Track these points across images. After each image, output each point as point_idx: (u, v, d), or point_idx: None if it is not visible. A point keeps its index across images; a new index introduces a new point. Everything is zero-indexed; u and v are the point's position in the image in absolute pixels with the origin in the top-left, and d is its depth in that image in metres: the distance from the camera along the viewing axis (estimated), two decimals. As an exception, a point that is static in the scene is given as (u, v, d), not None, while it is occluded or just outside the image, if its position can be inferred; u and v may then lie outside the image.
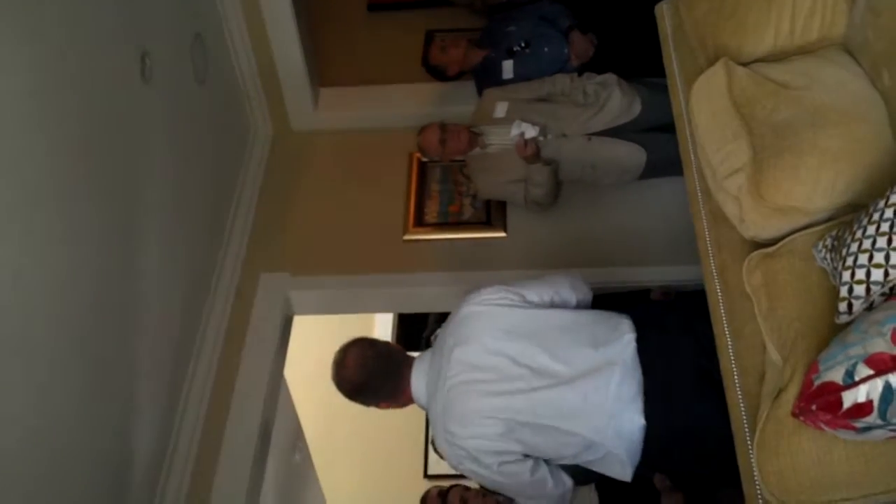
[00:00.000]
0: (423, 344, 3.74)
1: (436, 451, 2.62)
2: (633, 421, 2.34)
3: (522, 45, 3.93)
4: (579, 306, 2.72)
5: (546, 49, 3.92)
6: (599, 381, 2.34)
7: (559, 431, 2.37)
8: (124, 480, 2.72)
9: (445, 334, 2.55)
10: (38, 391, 2.20)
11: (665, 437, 2.36)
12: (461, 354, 2.45)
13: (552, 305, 2.64)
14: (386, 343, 2.72)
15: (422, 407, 2.57)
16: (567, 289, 2.70)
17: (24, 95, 2.16)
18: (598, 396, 2.33)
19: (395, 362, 2.58)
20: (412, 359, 2.60)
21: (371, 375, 2.55)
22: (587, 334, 2.45)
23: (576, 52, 3.89)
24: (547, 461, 2.51)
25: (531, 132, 3.49)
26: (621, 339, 2.41)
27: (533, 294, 2.61)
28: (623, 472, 2.42)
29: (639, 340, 2.41)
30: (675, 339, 2.47)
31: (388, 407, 2.61)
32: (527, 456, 2.43)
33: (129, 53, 2.79)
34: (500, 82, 3.91)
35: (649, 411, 2.34)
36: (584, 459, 2.45)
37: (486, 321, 2.50)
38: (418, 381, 2.53)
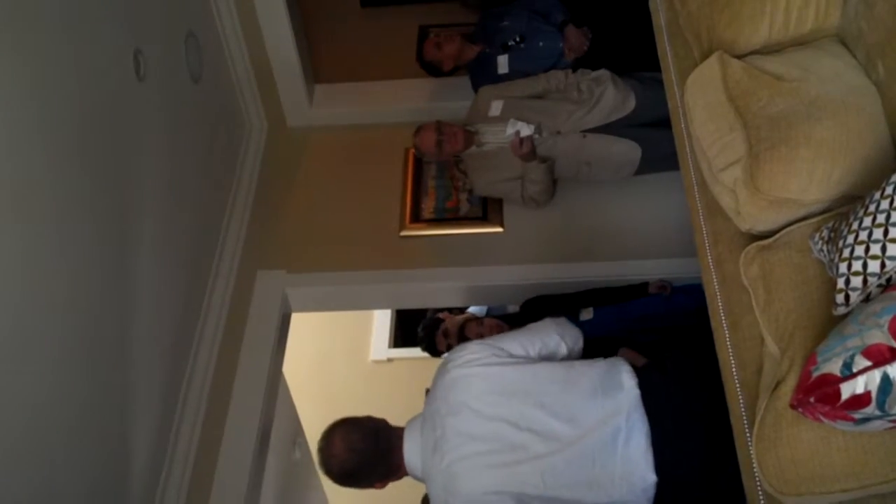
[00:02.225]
0: (418, 339, 3.73)
1: None
2: (644, 479, 2.22)
3: (517, 39, 3.93)
4: (571, 356, 2.58)
5: (541, 43, 3.92)
6: (606, 437, 2.22)
7: (570, 501, 2.24)
8: (124, 479, 2.72)
9: (435, 400, 2.38)
10: (33, 389, 2.20)
11: (677, 487, 2.26)
12: (456, 424, 2.28)
13: (540, 358, 2.50)
14: (369, 419, 2.46)
15: (417, 479, 2.39)
16: (554, 336, 2.56)
17: (18, 95, 2.15)
18: (606, 458, 2.21)
19: (384, 439, 2.40)
20: (401, 430, 2.42)
21: (361, 460, 2.37)
22: (586, 383, 2.32)
23: (570, 46, 3.89)
24: None
25: (526, 131, 3.50)
26: (622, 386, 2.29)
27: (516, 347, 2.46)
28: None
29: (641, 384, 2.30)
30: (678, 385, 2.35)
31: (384, 486, 2.44)
32: None
33: (123, 52, 2.79)
34: (496, 77, 3.91)
35: (659, 464, 2.22)
36: None
37: (477, 385, 2.34)
38: (412, 453, 2.36)
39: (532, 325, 2.61)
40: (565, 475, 2.21)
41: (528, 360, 2.46)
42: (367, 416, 2.47)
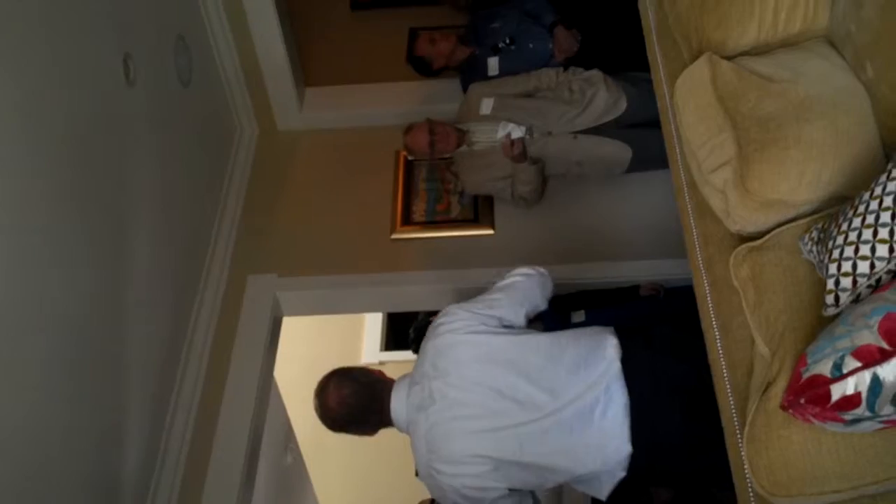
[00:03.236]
0: (410, 342, 3.73)
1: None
2: (619, 450, 2.32)
3: (507, 41, 3.93)
4: (549, 301, 2.71)
5: (531, 45, 3.92)
6: (584, 408, 2.31)
7: (546, 468, 2.36)
8: (115, 483, 2.71)
9: (424, 362, 2.50)
10: (23, 390, 2.19)
11: (652, 459, 2.35)
12: (442, 388, 2.40)
13: (526, 316, 2.61)
14: (362, 370, 2.61)
15: (402, 431, 2.51)
16: (537, 292, 2.67)
17: (5, 100, 2.14)
18: (583, 428, 2.31)
19: (376, 392, 2.52)
20: (391, 383, 2.54)
21: (353, 411, 2.50)
22: (569, 357, 2.40)
23: (560, 48, 3.89)
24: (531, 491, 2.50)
25: (517, 133, 3.50)
26: (605, 358, 2.38)
27: (510, 314, 2.56)
28: (601, 491, 2.42)
29: (624, 358, 2.38)
30: (661, 354, 2.44)
31: (372, 435, 2.59)
32: (511, 490, 2.41)
33: (112, 56, 2.78)
34: (486, 79, 3.91)
35: (635, 436, 2.32)
36: (567, 483, 2.45)
37: (466, 351, 2.44)
38: (398, 409, 2.47)
39: (517, 284, 2.66)
40: (542, 443, 2.31)
41: (518, 328, 2.57)
42: (360, 367, 2.63)
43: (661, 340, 2.48)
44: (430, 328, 2.57)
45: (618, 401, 2.32)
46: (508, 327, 2.55)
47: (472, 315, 2.52)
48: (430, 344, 2.52)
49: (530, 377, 2.37)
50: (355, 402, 2.49)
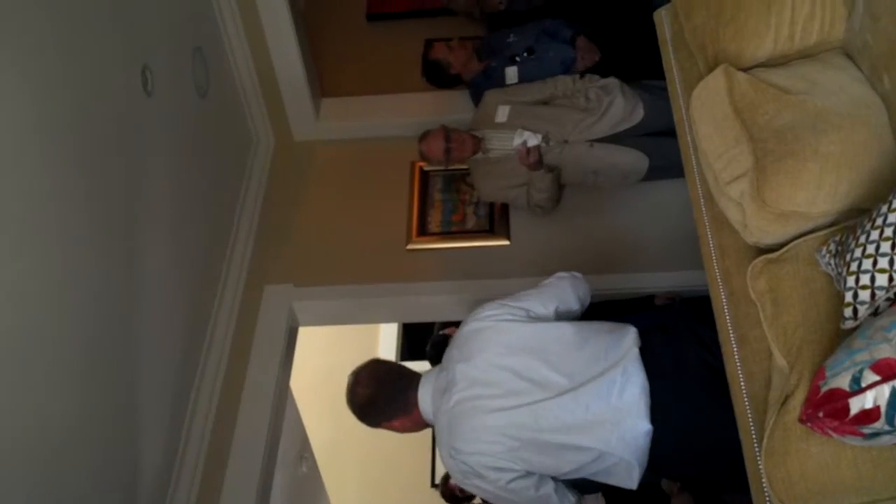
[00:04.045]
0: (428, 357, 3.73)
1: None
2: (636, 427, 2.34)
3: (525, 53, 3.94)
4: (583, 307, 2.76)
5: (551, 54, 3.92)
6: (601, 388, 2.35)
7: (563, 447, 2.38)
8: (132, 494, 2.72)
9: (452, 349, 2.58)
10: (40, 409, 2.20)
11: (672, 439, 2.36)
12: (465, 370, 2.47)
13: (557, 315, 2.65)
14: (398, 363, 2.78)
15: (429, 422, 2.58)
16: (571, 294, 2.72)
17: (26, 110, 2.16)
18: (599, 405, 2.34)
19: (405, 377, 2.62)
20: (420, 375, 2.63)
21: (382, 388, 2.59)
22: (591, 347, 2.46)
23: (583, 57, 3.89)
24: (553, 477, 2.51)
25: (533, 140, 3.49)
26: (622, 347, 2.43)
27: (538, 306, 2.63)
28: (629, 479, 2.42)
29: (643, 347, 2.42)
30: (680, 340, 2.49)
31: (399, 426, 2.63)
32: (530, 472, 2.44)
33: (131, 68, 2.81)
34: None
35: (656, 414, 2.34)
36: (590, 472, 2.45)
37: (490, 337, 2.52)
38: (425, 395, 2.55)
39: (551, 283, 2.76)
40: (558, 418, 2.35)
41: (545, 318, 2.63)
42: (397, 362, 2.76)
43: (680, 330, 2.53)
44: (462, 322, 2.66)
45: (635, 381, 2.36)
46: (535, 319, 2.61)
47: (501, 305, 2.61)
48: (459, 333, 2.62)
49: (550, 362, 2.42)
50: (386, 378, 2.61)
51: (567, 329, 2.54)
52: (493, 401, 2.40)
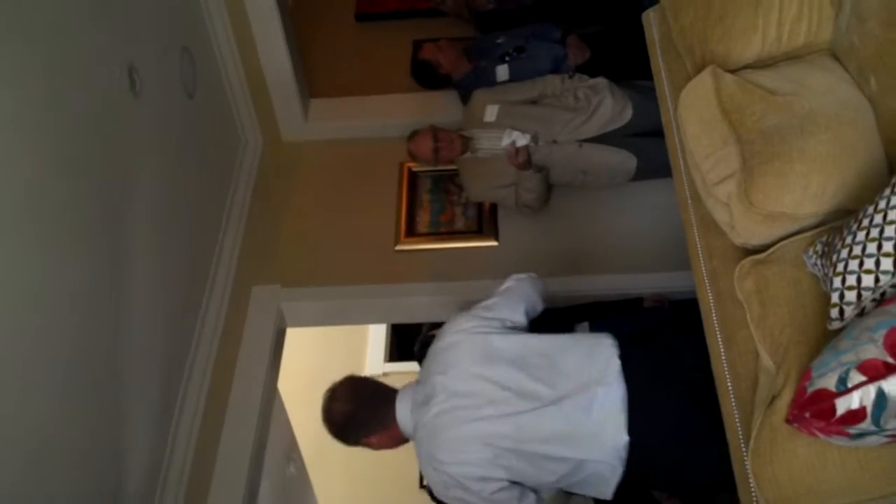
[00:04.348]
0: (416, 358, 3.72)
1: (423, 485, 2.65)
2: (616, 437, 2.35)
3: (515, 52, 3.94)
4: (545, 305, 2.81)
5: (542, 52, 3.92)
6: (582, 400, 2.37)
7: (544, 457, 2.39)
8: (119, 496, 2.71)
9: (429, 364, 2.58)
10: (19, 409, 2.18)
11: (650, 452, 2.37)
12: (444, 381, 2.47)
13: (527, 316, 2.70)
14: (371, 378, 2.77)
15: (408, 436, 2.59)
16: (534, 294, 2.77)
17: (11, 111, 2.15)
18: (579, 416, 2.36)
19: (382, 392, 2.63)
20: (397, 390, 2.64)
21: (360, 403, 2.60)
22: (571, 358, 2.47)
23: (574, 54, 3.90)
24: (535, 489, 2.51)
25: (522, 140, 3.49)
26: (602, 357, 2.45)
27: (510, 313, 2.65)
28: (605, 489, 2.44)
29: (623, 356, 2.44)
30: (663, 351, 2.50)
31: (377, 443, 2.63)
32: (513, 483, 2.43)
33: (118, 68, 2.79)
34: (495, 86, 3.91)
35: (633, 425, 2.35)
36: (569, 482, 2.47)
37: (467, 348, 2.53)
38: (404, 409, 2.55)
39: (512, 287, 2.78)
40: (539, 429, 2.37)
41: (520, 326, 2.66)
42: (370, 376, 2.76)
43: (661, 340, 2.56)
44: (437, 335, 2.66)
45: (615, 392, 2.37)
46: (512, 329, 2.62)
47: (474, 318, 2.61)
48: (435, 347, 2.61)
49: (530, 373, 2.43)
50: (363, 395, 2.62)
51: (545, 339, 2.56)
52: (473, 411, 2.41)
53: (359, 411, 2.59)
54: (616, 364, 2.41)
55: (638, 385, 2.38)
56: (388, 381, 2.71)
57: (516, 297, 2.71)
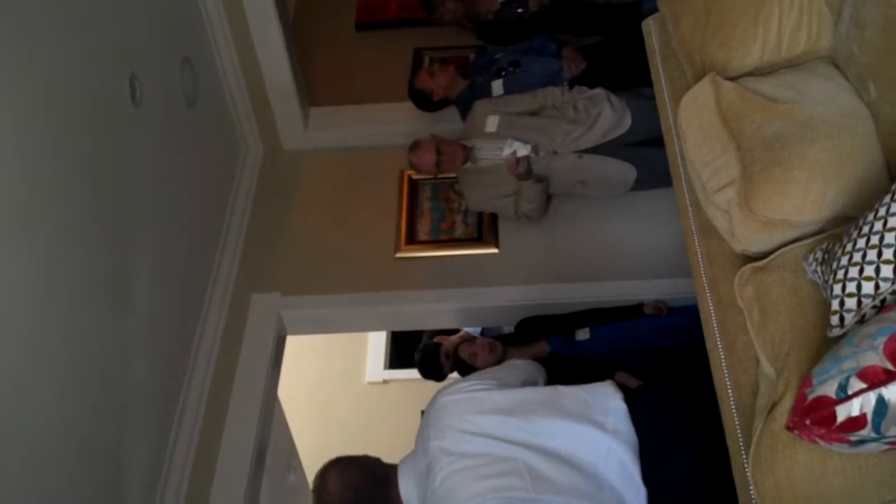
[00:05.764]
0: (418, 367, 3.71)
1: None
2: (637, 495, 2.27)
3: (510, 68, 3.97)
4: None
5: (537, 66, 3.94)
6: (591, 453, 2.28)
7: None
8: (119, 502, 2.71)
9: (425, 430, 2.41)
10: (22, 414, 2.19)
11: (661, 497, 2.31)
12: (445, 446, 2.31)
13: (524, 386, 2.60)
14: (364, 457, 2.51)
15: None
16: (536, 373, 2.70)
17: (14, 120, 2.15)
18: (594, 472, 2.26)
19: (380, 476, 2.42)
20: (395, 466, 2.44)
21: (358, 494, 2.37)
22: (571, 404, 2.37)
23: (568, 65, 3.91)
24: None
25: (523, 151, 3.51)
26: (608, 407, 2.36)
27: (506, 377, 2.55)
28: None
29: (629, 400, 2.37)
30: (669, 395, 2.47)
31: None
32: None
33: (119, 77, 2.80)
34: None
35: (645, 476, 2.28)
36: None
37: (463, 406, 2.38)
38: (408, 486, 2.37)
39: (513, 363, 2.76)
40: (552, 483, 2.23)
41: (515, 386, 2.53)
42: (362, 454, 2.49)
43: (668, 383, 2.51)
44: (431, 400, 2.50)
45: (627, 442, 2.29)
46: (507, 387, 2.50)
47: (467, 381, 2.52)
48: (430, 411, 2.45)
49: (532, 422, 2.32)
50: (360, 484, 2.38)
51: (541, 391, 2.50)
52: (481, 469, 2.26)
53: (357, 499, 2.37)
54: (623, 408, 2.33)
55: (647, 437, 2.30)
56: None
57: (516, 372, 2.64)
